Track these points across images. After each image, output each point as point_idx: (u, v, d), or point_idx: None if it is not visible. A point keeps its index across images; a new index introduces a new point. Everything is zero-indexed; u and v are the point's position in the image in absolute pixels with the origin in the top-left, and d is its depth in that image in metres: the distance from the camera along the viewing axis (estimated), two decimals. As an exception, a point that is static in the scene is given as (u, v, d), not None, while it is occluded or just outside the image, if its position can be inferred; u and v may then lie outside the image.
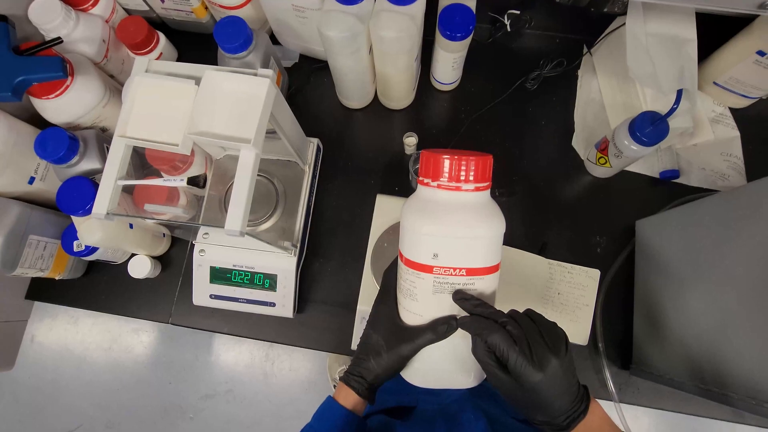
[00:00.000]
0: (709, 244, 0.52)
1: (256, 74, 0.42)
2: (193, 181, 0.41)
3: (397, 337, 0.40)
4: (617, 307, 0.63)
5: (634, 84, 0.66)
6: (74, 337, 1.47)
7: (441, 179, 0.37)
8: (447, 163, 0.36)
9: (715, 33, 0.64)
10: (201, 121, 0.41)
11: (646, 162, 0.69)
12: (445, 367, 0.41)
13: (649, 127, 0.56)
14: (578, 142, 0.70)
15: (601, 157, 0.64)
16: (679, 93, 0.53)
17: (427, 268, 0.37)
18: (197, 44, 0.73)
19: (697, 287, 0.52)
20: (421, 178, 0.39)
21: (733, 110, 0.70)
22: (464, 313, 0.38)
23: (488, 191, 0.39)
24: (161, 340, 1.48)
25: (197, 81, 0.42)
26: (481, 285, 0.38)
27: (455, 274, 0.37)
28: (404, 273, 0.39)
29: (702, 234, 0.53)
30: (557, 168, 0.70)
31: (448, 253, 0.36)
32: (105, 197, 0.41)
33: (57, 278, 0.63)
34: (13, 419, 1.44)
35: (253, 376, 1.43)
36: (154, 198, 0.56)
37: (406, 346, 0.39)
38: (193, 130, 0.40)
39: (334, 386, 1.33)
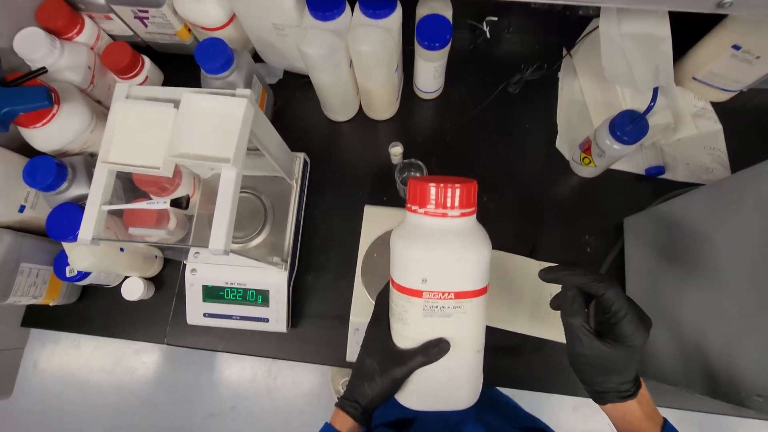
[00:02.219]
0: (697, 237, 0.52)
1: (234, 94, 0.43)
2: (176, 203, 0.42)
3: (389, 361, 0.40)
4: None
5: (614, 84, 0.67)
6: (77, 361, 1.47)
7: (428, 206, 0.38)
8: (433, 190, 0.37)
9: (691, 29, 0.65)
10: (181, 143, 0.42)
11: (631, 159, 0.69)
12: (439, 387, 0.41)
13: (629, 126, 0.57)
14: (562, 144, 0.71)
15: (585, 158, 0.65)
16: (655, 91, 0.54)
17: (416, 293, 0.38)
18: (182, 66, 0.74)
19: (687, 282, 0.52)
20: (408, 205, 0.40)
21: (714, 104, 0.71)
22: (447, 337, 0.38)
23: (474, 216, 0.40)
24: (163, 360, 1.47)
25: (176, 104, 0.43)
26: (470, 307, 0.38)
27: (444, 298, 0.37)
28: (395, 298, 0.40)
29: (689, 228, 0.53)
30: (543, 170, 0.71)
31: (436, 278, 0.37)
32: (90, 223, 0.41)
33: (51, 304, 0.63)
34: (17, 448, 1.43)
35: (256, 392, 1.42)
36: (144, 220, 0.56)
37: (399, 369, 0.39)
38: (173, 152, 0.41)
39: (338, 398, 1.32)
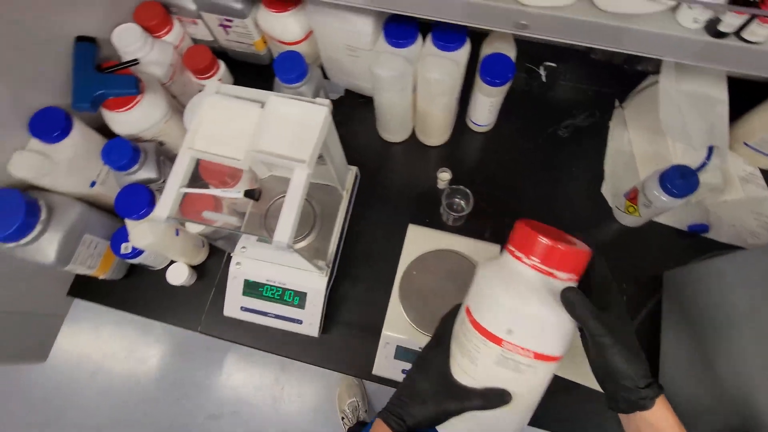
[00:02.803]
0: (741, 299, 0.52)
1: (314, 102, 0.47)
2: (249, 194, 0.45)
3: (446, 392, 0.39)
4: (649, 360, 0.63)
5: (665, 138, 0.69)
6: (94, 344, 1.50)
7: (535, 259, 0.36)
8: (547, 245, 0.35)
9: (747, 95, 0.66)
10: (262, 141, 0.45)
11: (674, 214, 0.70)
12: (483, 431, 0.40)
13: (680, 180, 0.58)
14: (607, 190, 0.72)
15: (630, 206, 0.66)
16: (710, 149, 0.55)
17: (496, 340, 0.36)
18: (252, 74, 0.79)
19: (730, 342, 0.52)
20: (512, 248, 0.38)
21: (763, 171, 0.72)
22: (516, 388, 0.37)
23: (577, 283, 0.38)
24: (176, 354, 1.49)
25: (262, 104, 0.46)
26: (544, 370, 0.37)
27: (523, 354, 0.36)
28: (469, 333, 0.38)
29: (734, 289, 0.53)
30: (586, 213, 0.72)
31: (524, 333, 0.36)
32: (168, 202, 0.44)
33: (101, 277, 0.66)
34: (22, 422, 1.45)
35: (261, 400, 1.42)
36: (200, 210, 0.60)
37: (454, 404, 0.38)
38: (254, 147, 0.44)
39: (342, 417, 1.30)
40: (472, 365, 0.38)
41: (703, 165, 0.55)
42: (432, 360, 0.42)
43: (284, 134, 0.45)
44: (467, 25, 0.39)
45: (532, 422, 0.62)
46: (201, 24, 0.76)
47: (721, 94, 0.61)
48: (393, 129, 0.74)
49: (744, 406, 0.47)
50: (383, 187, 0.74)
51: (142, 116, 0.64)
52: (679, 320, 0.60)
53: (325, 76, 0.80)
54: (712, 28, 0.38)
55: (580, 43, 0.38)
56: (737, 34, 0.37)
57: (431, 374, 0.41)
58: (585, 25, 0.35)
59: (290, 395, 1.41)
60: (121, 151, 0.59)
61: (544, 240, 0.35)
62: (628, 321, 0.38)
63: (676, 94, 0.61)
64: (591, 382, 0.61)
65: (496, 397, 0.37)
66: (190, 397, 1.44)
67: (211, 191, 0.47)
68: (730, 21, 0.36)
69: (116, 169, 0.60)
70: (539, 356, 0.36)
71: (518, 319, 0.36)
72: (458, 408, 0.38)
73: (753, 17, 0.35)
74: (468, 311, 0.39)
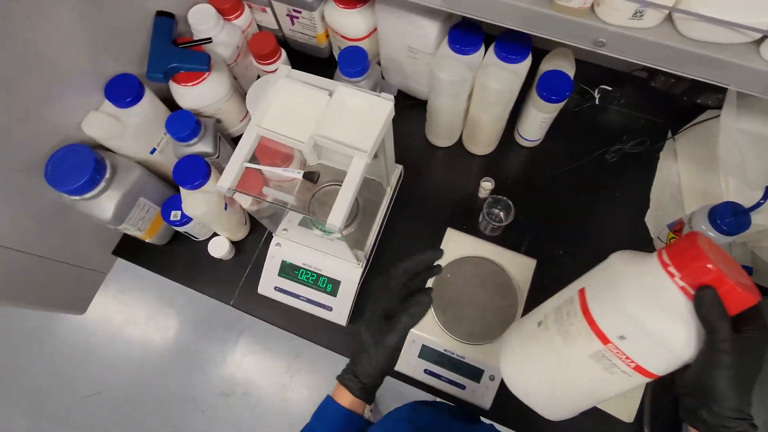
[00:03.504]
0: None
1: (380, 96, 0.48)
2: (308, 176, 0.46)
3: (381, 331, 0.42)
4: (671, 391, 0.62)
5: (716, 174, 0.68)
6: (117, 307, 1.55)
7: (687, 281, 0.32)
8: (714, 276, 0.31)
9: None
10: (326, 127, 0.47)
11: (718, 252, 0.69)
12: (553, 391, 0.41)
13: (731, 217, 0.57)
14: (651, 220, 0.72)
15: (673, 238, 0.65)
16: (767, 189, 0.54)
17: (604, 339, 0.34)
18: (310, 65, 0.79)
19: None
20: (666, 260, 0.33)
21: (816, 220, 0.70)
22: None
23: None
24: (194, 329, 1.53)
25: (330, 93, 0.48)
26: (635, 381, 0.35)
27: (623, 361, 0.34)
28: (575, 317, 0.36)
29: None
30: (625, 240, 0.71)
31: (636, 345, 0.33)
32: (232, 174, 0.46)
33: (147, 240, 0.69)
34: (41, 371, 1.51)
35: (270, 385, 1.44)
36: (250, 188, 0.62)
37: (391, 336, 0.41)
38: (319, 132, 0.46)
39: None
40: (564, 346, 0.36)
41: (758, 205, 0.55)
42: (372, 312, 0.44)
43: (348, 123, 0.47)
44: (547, 38, 0.40)
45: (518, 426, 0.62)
46: (269, 12, 0.78)
47: (782, 136, 0.60)
48: (441, 133, 0.75)
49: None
50: (424, 189, 0.75)
51: (207, 92, 0.67)
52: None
53: (381, 76, 0.82)
54: (792, 65, 0.37)
55: (652, 66, 0.38)
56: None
57: (371, 323, 0.43)
58: (663, 49, 0.36)
59: (299, 385, 1.43)
60: (184, 123, 0.62)
61: (711, 266, 0.30)
62: (758, 355, 0.33)
63: (736, 132, 0.61)
64: (610, 408, 0.61)
65: (415, 308, 0.41)
66: (204, 372, 1.47)
67: (273, 169, 0.49)
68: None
69: (178, 139, 0.63)
70: (639, 369, 0.34)
71: (639, 332, 0.33)
72: (395, 338, 0.41)
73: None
74: (583, 295, 0.36)
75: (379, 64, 0.80)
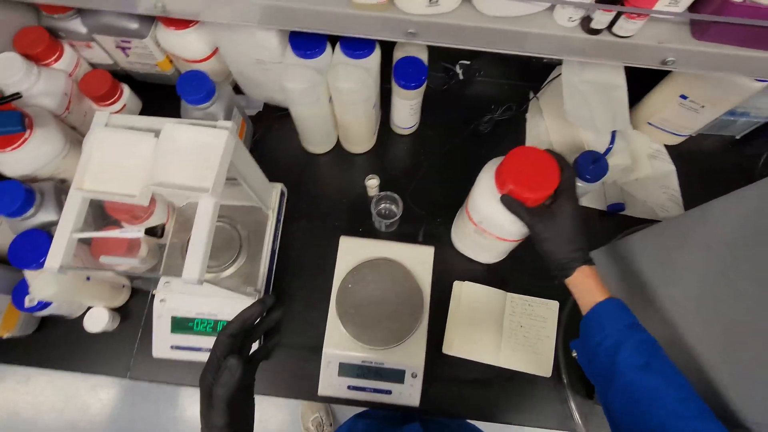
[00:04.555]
0: (653, 271, 0.55)
1: (215, 126, 0.44)
2: (150, 231, 0.42)
3: (208, 411, 0.39)
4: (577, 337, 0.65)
5: (576, 125, 0.72)
6: (24, 399, 1.36)
7: (500, 191, 0.51)
8: (508, 186, 0.49)
9: (645, 79, 0.71)
10: (160, 172, 0.42)
11: (594, 196, 0.74)
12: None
13: (591, 165, 0.61)
14: (531, 180, 0.75)
15: (551, 193, 0.69)
16: (613, 134, 0.58)
17: (473, 223, 0.57)
18: (162, 95, 0.74)
19: (647, 312, 0.55)
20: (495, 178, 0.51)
21: (667, 147, 0.77)
22: None
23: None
24: (121, 396, 1.39)
25: (157, 133, 0.43)
26: (502, 243, 0.59)
27: (487, 233, 0.57)
28: (464, 213, 0.60)
29: (647, 262, 0.57)
30: (513, 204, 0.74)
31: (489, 226, 0.55)
32: (59, 250, 0.40)
33: (5, 336, 0.60)
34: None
35: None
36: (113, 249, 0.55)
37: (215, 415, 0.38)
38: (152, 181, 0.41)
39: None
40: (465, 227, 0.61)
41: (608, 149, 0.58)
42: (201, 400, 0.40)
43: (185, 162, 0.43)
44: (361, 36, 0.38)
45: (480, 416, 0.63)
46: (96, 47, 0.70)
47: (619, 80, 0.65)
48: (316, 140, 0.72)
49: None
50: (312, 202, 0.72)
51: (34, 154, 0.58)
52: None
53: (241, 92, 0.77)
54: (586, 25, 0.40)
55: (470, 48, 0.38)
56: (609, 29, 0.39)
57: (201, 410, 0.40)
58: (470, 30, 0.35)
59: (252, 421, 1.36)
60: (11, 195, 0.54)
61: (509, 183, 0.48)
62: (567, 213, 0.47)
63: (580, 83, 0.64)
64: (530, 368, 0.63)
65: (226, 374, 0.38)
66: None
67: (108, 233, 0.43)
68: (600, 18, 0.38)
69: (7, 215, 0.54)
70: (498, 237, 0.56)
71: (487, 219, 0.54)
72: (219, 414, 0.38)
73: (620, 14, 0.37)
74: (467, 203, 0.59)
75: (235, 83, 0.75)
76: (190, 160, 0.43)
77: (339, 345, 0.60)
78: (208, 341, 0.61)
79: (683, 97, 0.67)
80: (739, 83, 0.61)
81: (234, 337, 0.41)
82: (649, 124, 0.75)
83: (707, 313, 0.46)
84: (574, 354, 0.50)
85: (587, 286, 0.46)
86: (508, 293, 0.66)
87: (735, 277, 0.43)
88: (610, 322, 0.43)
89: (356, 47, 0.59)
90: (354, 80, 0.58)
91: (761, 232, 0.40)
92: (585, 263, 0.47)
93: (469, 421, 0.66)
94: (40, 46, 0.63)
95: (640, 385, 0.39)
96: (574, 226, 0.48)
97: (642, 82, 0.72)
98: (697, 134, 0.77)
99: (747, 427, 0.43)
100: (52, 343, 0.64)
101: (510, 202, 0.49)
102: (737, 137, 0.78)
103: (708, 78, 0.63)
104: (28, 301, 0.57)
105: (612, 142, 0.58)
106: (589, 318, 0.46)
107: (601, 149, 0.65)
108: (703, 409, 0.37)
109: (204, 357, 0.60)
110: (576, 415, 0.60)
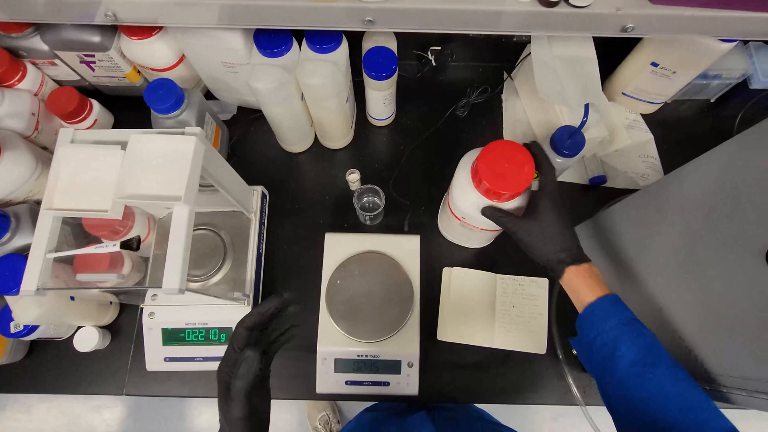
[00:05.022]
0: (633, 240, 0.55)
1: (183, 133, 0.43)
2: (126, 245, 0.41)
3: (226, 404, 0.38)
4: (570, 312, 0.66)
5: (549, 102, 0.72)
6: (27, 427, 1.35)
7: (478, 190, 0.51)
8: (484, 186, 0.49)
9: (616, 50, 0.71)
10: (130, 184, 0.41)
11: (575, 171, 0.74)
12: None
13: (568, 140, 0.61)
14: (511, 160, 0.75)
15: (532, 172, 0.69)
16: (586, 107, 0.58)
17: (456, 218, 0.58)
18: (133, 107, 0.73)
19: (630, 281, 0.55)
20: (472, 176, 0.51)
21: (644, 116, 0.77)
22: None
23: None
24: (126, 413, 1.38)
25: (124, 146, 0.43)
26: (484, 233, 0.60)
27: (470, 226, 0.58)
28: (449, 211, 0.60)
29: (627, 232, 0.57)
30: (496, 186, 0.74)
31: (471, 220, 0.56)
32: (34, 272, 0.40)
33: (-5, 364, 0.59)
34: None
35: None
36: (96, 266, 0.54)
37: (234, 407, 0.37)
38: (121, 194, 0.41)
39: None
40: (448, 225, 0.64)
41: (583, 123, 0.58)
42: (219, 393, 0.40)
43: (155, 172, 0.42)
44: (317, 29, 0.38)
45: (481, 399, 0.64)
46: (60, 64, 0.69)
47: (589, 53, 0.64)
48: (292, 139, 0.72)
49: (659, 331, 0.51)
50: (295, 201, 0.72)
51: (5, 178, 0.57)
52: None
53: (214, 97, 0.76)
54: (542, -1, 0.39)
55: (429, 31, 0.38)
56: (566, 1, 0.39)
57: (219, 403, 0.39)
58: (427, 13, 0.35)
59: None
60: (-16, 222, 0.53)
61: (485, 183, 0.48)
62: (549, 217, 0.47)
63: (550, 59, 0.64)
64: (524, 347, 0.63)
65: (243, 366, 0.37)
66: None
67: (83, 250, 0.42)
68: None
69: (-18, 242, 0.53)
70: (481, 229, 0.57)
71: (468, 214, 0.54)
72: (238, 406, 0.37)
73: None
74: (448, 196, 0.59)
75: (206, 88, 0.74)
76: (160, 169, 0.42)
77: (333, 342, 0.60)
78: (202, 350, 0.60)
79: (654, 64, 0.67)
80: (707, 46, 0.61)
81: (251, 330, 0.40)
82: (624, 94, 0.75)
83: (684, 276, 0.47)
84: (575, 352, 0.50)
85: (576, 286, 0.46)
86: (498, 275, 0.67)
87: (708, 237, 0.43)
88: (601, 320, 0.43)
89: (322, 41, 0.58)
90: (323, 75, 0.57)
91: (731, 189, 0.41)
92: (573, 263, 0.46)
93: (474, 406, 0.66)
94: (1, 67, 0.62)
95: (636, 382, 0.39)
96: (556, 228, 0.47)
97: (614, 54, 0.72)
98: (673, 101, 0.77)
99: (719, 382, 0.43)
100: (45, 366, 0.64)
101: (491, 214, 0.50)
102: (712, 100, 0.78)
103: (676, 43, 0.63)
104: (14, 327, 0.56)
105: (585, 115, 0.58)
106: (582, 317, 0.46)
107: (577, 124, 0.65)
108: (701, 399, 0.37)
109: (199, 366, 0.61)
110: (574, 389, 0.61)
